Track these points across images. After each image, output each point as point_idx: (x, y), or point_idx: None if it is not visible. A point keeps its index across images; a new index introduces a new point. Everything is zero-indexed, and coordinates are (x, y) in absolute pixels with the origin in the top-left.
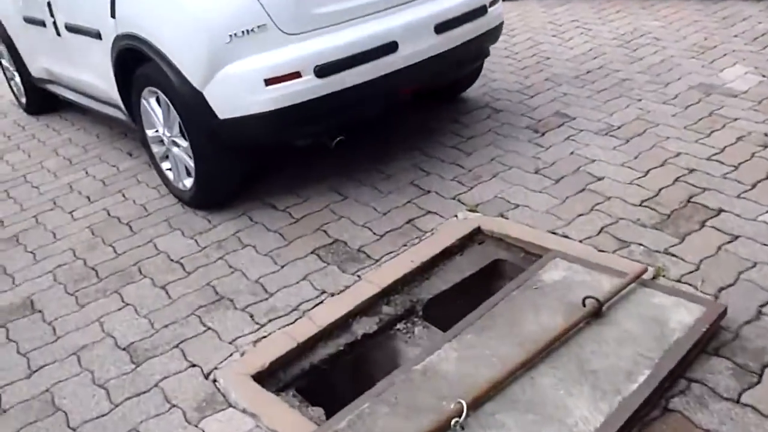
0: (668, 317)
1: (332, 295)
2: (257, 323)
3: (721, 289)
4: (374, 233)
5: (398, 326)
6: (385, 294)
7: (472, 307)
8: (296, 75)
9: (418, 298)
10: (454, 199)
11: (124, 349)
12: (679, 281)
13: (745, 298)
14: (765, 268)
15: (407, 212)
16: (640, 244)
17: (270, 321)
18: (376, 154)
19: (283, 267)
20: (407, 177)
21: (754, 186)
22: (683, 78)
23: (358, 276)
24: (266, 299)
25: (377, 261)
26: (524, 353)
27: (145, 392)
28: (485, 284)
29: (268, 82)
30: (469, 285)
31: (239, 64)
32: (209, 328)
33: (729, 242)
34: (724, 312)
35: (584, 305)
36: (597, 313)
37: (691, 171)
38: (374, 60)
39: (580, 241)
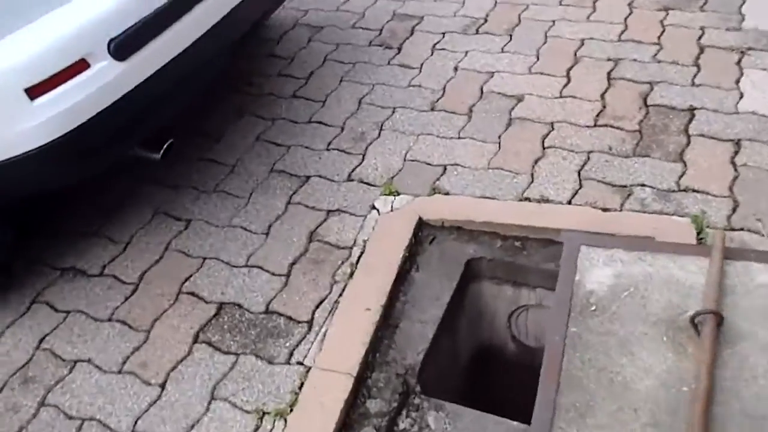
0: None
1: (281, 417)
2: None
3: None
4: (272, 273)
5: (402, 426)
6: (360, 381)
7: (481, 349)
8: (81, 65)
9: (405, 367)
10: (350, 179)
11: None
12: (733, 229)
13: None
14: None
15: (299, 221)
16: (642, 185)
17: None
18: (194, 139)
19: (164, 387)
20: (261, 161)
21: (697, 65)
22: None
23: (300, 362)
24: None
25: (310, 324)
26: None
27: None
28: (477, 306)
29: (34, 91)
30: (457, 315)
31: None
32: None
33: (736, 152)
34: None
35: (696, 327)
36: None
37: (616, 62)
38: (181, 17)
39: (569, 203)
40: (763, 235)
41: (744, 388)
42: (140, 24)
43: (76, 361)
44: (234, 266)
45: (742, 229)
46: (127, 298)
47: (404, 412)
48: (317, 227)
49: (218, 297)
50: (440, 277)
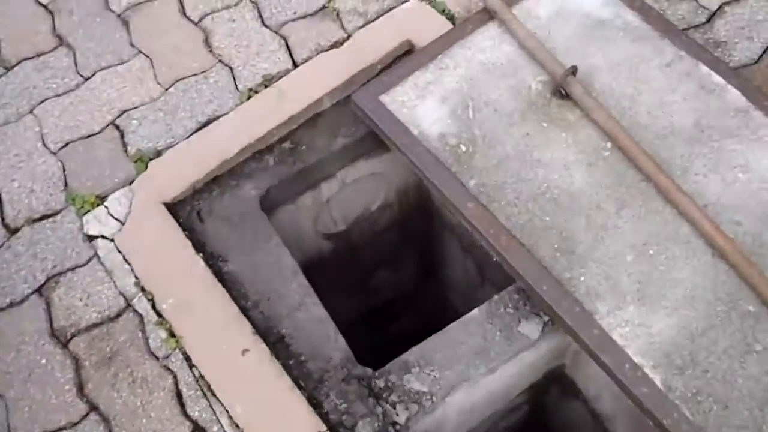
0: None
1: None
2: None
3: None
4: (70, 426)
5: (404, 416)
6: (329, 424)
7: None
8: None
9: (340, 366)
10: (13, 227)
11: None
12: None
13: None
14: None
15: (17, 332)
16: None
17: None
18: None
19: None
20: None
21: None
22: None
23: None
24: None
25: (200, 429)
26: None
27: None
28: (289, 234)
29: None
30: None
31: None
32: None
33: None
34: None
35: (561, 93)
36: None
37: None
38: None
39: (296, 64)
40: None
41: (643, 117)
42: None
43: None
44: None
45: None
46: None
47: (386, 405)
48: (51, 320)
49: None
50: (254, 248)
